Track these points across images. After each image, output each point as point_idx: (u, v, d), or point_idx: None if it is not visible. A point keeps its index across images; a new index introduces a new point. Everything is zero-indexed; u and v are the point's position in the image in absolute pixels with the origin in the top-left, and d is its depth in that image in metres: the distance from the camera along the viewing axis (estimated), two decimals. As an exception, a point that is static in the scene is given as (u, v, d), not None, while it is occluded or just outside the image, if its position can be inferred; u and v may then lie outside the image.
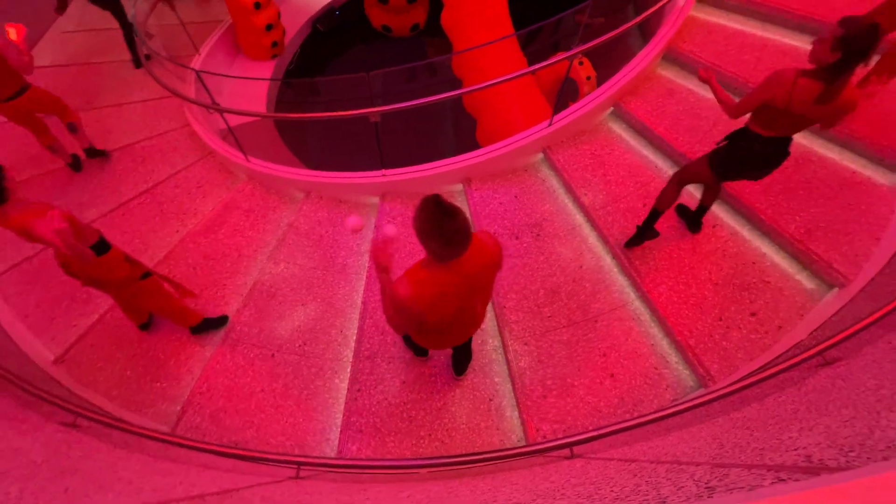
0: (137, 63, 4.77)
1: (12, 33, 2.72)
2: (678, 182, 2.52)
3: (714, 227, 2.85)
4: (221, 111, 3.22)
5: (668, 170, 3.14)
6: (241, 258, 3.27)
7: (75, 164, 3.78)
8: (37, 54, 5.01)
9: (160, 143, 4.17)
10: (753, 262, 2.66)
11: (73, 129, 3.62)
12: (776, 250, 2.68)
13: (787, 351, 2.24)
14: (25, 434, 1.51)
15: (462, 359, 2.52)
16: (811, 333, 2.23)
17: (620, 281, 2.83)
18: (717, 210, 2.92)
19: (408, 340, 2.54)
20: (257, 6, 5.06)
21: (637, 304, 2.72)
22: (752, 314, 2.47)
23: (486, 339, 2.71)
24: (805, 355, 1.65)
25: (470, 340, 2.33)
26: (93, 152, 3.87)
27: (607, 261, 2.93)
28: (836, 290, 2.45)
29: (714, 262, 2.70)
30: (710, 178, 2.40)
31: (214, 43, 5.40)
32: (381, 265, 1.62)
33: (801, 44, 3.23)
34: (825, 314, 2.31)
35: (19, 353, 2.76)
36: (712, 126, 3.09)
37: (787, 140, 2.07)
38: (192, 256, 3.28)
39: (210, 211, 3.56)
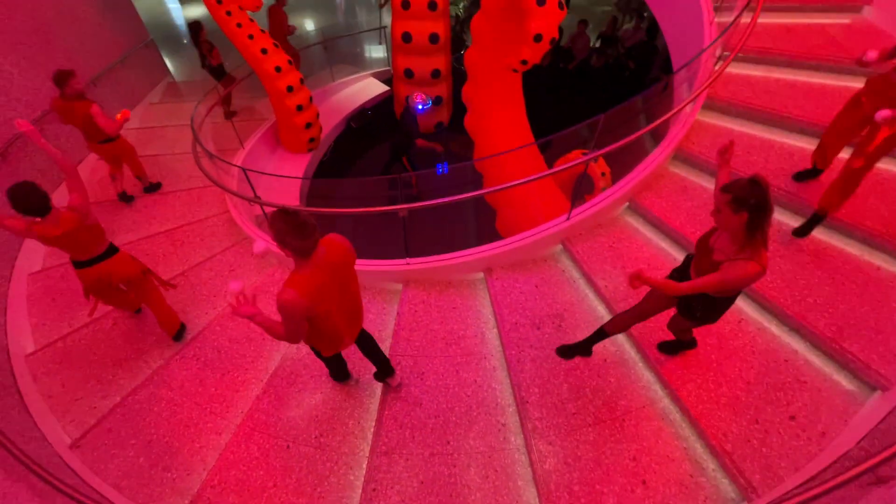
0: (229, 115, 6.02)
1: (119, 115, 3.81)
2: (639, 315, 2.43)
3: (739, 321, 2.81)
4: (261, 203, 3.49)
5: (686, 262, 3.19)
6: (265, 342, 3.32)
7: (124, 198, 4.79)
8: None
9: (199, 229, 4.47)
10: (786, 360, 2.58)
11: (138, 178, 4.86)
12: (808, 348, 2.61)
13: (835, 462, 2.09)
14: (41, 534, 1.48)
15: (377, 361, 2.70)
16: (859, 443, 2.09)
17: (647, 376, 2.75)
18: (741, 302, 2.90)
19: (329, 363, 2.73)
20: (299, 108, 5.66)
21: (666, 403, 2.61)
22: (791, 417, 2.34)
23: (509, 437, 2.60)
24: (855, 472, 1.55)
25: (373, 341, 2.62)
26: (151, 187, 4.98)
27: (631, 354, 2.88)
28: (878, 392, 2.33)
29: (743, 358, 2.62)
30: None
31: (258, 138, 5.99)
32: (248, 316, 1.87)
33: (806, 145, 3.40)
34: (872, 420, 2.18)
35: (39, 438, 2.76)
36: (727, 221, 3.18)
37: None
38: (218, 339, 3.35)
39: (253, 286, 3.70)
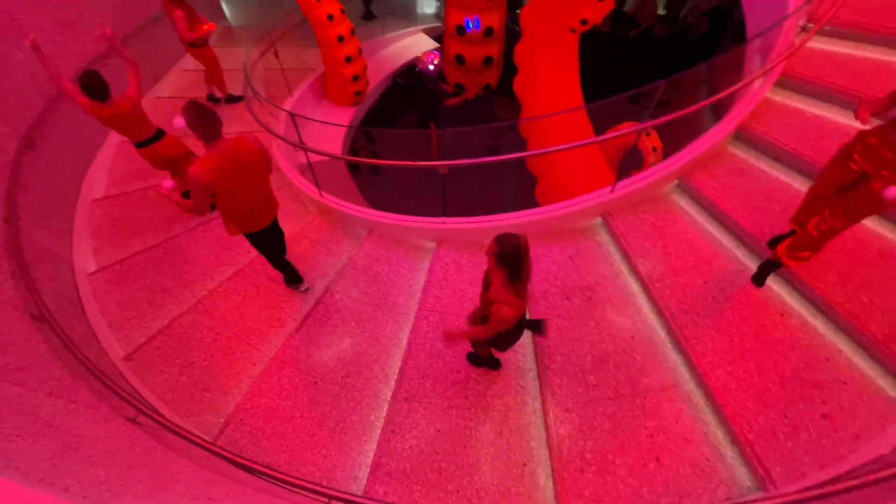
0: (369, 16, 6.44)
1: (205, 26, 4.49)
2: None
3: (783, 314, 2.69)
4: (306, 149, 3.55)
5: (733, 249, 3.04)
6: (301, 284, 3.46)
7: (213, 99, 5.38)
8: (160, 87, 5.85)
9: (246, 172, 4.61)
10: (827, 359, 2.46)
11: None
12: (855, 349, 2.47)
13: (864, 464, 2.01)
14: (100, 423, 1.66)
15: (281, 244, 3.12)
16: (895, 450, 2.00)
17: (674, 358, 2.71)
18: (787, 296, 2.77)
19: (270, 259, 3.11)
20: (348, 59, 5.63)
21: (690, 386, 2.57)
22: (824, 416, 2.26)
23: (527, 400, 2.65)
24: (886, 473, 1.49)
25: (281, 236, 3.09)
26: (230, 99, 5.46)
27: (661, 334, 2.82)
28: (927, 403, 2.20)
29: (781, 352, 2.52)
30: None
31: (306, 88, 6.02)
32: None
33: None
34: (914, 430, 2.07)
35: (97, 347, 3.04)
36: (784, 209, 2.98)
37: None
38: (258, 277, 3.52)
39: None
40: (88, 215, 4.09)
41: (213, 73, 5.22)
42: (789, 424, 2.26)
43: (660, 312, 2.82)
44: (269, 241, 2.99)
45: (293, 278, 3.35)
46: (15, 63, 3.61)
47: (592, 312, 2.93)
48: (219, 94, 5.49)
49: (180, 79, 6.21)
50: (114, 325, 3.32)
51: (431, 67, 5.07)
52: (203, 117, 2.19)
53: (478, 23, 4.75)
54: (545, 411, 2.52)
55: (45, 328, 2.43)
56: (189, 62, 6.47)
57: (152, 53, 5.78)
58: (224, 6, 7.96)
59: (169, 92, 5.84)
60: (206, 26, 4.58)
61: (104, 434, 1.55)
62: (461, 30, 5.57)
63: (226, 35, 7.46)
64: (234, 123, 5.31)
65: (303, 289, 3.42)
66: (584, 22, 3.26)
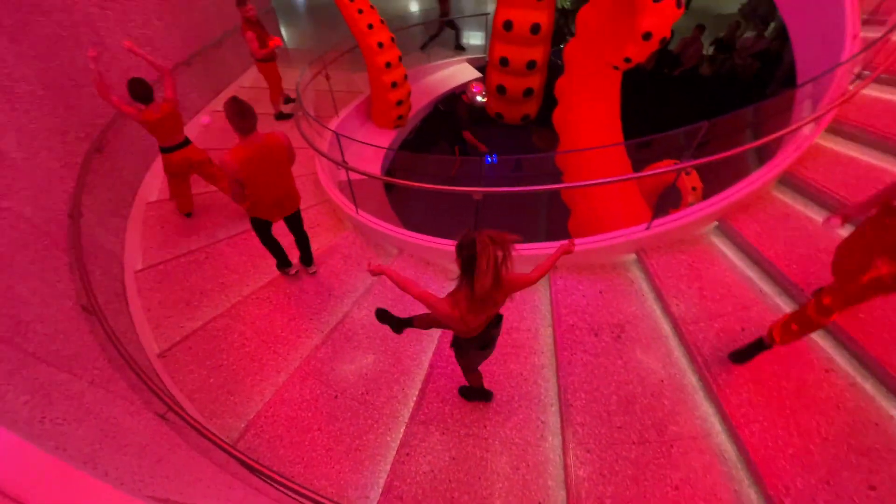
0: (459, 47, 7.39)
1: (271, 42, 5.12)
2: None
3: (828, 371, 2.53)
4: (347, 168, 3.70)
5: (774, 297, 2.91)
6: (330, 297, 3.55)
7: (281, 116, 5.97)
8: (218, 102, 6.26)
9: (288, 185, 4.83)
10: (877, 424, 2.28)
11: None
12: (909, 417, 2.29)
13: (917, 546, 1.84)
14: (133, 416, 1.74)
15: (301, 247, 3.55)
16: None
17: (705, 406, 2.58)
18: (833, 352, 2.61)
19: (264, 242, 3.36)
20: (394, 85, 5.86)
21: (722, 439, 2.44)
22: (871, 487, 2.09)
23: (546, 436, 2.58)
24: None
25: (300, 227, 3.43)
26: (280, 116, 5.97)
27: (692, 380, 2.71)
28: None
29: (824, 412, 2.36)
30: None
31: (352, 109, 6.30)
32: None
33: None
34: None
35: (136, 342, 3.19)
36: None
37: None
38: (291, 287, 3.63)
39: (315, 250, 3.96)
40: (142, 216, 4.37)
41: (272, 88, 5.72)
42: (831, 493, 2.09)
43: (692, 357, 2.72)
44: (269, 226, 3.30)
45: (283, 262, 3.66)
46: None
47: (621, 351, 2.85)
48: (273, 110, 5.92)
49: (238, 94, 6.63)
50: (153, 322, 3.49)
51: (480, 99, 5.19)
52: (241, 113, 2.51)
53: (496, 158, 5.22)
54: (565, 450, 2.44)
55: (93, 320, 2.58)
56: (247, 80, 6.93)
57: (214, 71, 6.22)
58: (282, 30, 8.51)
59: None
60: (272, 42, 5.22)
61: (136, 426, 1.62)
62: (509, 25, 5.74)
63: (282, 57, 7.92)
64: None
65: (292, 272, 3.69)
66: (627, 60, 3.29)
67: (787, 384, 2.49)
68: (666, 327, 2.97)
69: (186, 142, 3.94)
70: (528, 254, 3.43)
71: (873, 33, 3.55)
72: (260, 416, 2.86)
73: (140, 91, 3.45)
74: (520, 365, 2.91)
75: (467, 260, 1.66)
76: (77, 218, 3.19)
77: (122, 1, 4.39)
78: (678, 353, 2.83)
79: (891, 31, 3.10)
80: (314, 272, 3.69)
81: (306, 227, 4.24)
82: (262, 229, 3.31)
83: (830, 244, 2.91)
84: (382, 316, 2.85)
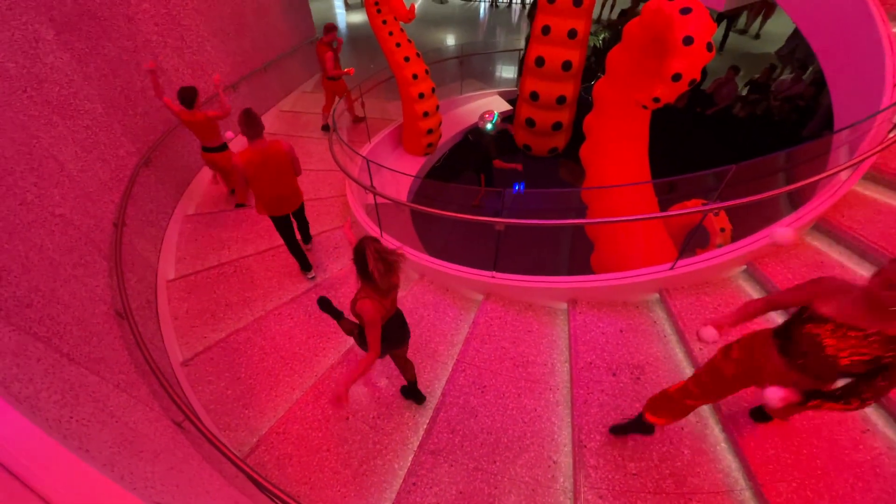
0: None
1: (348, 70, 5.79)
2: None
3: (864, 432, 2.38)
4: (375, 193, 3.81)
5: (806, 348, 2.78)
6: (349, 317, 3.60)
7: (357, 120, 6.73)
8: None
9: (318, 206, 5.00)
10: (918, 495, 2.11)
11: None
12: (955, 489, 2.11)
13: None
14: (152, 422, 1.80)
15: (304, 228, 4.07)
16: None
17: (728, 459, 2.45)
18: (870, 411, 2.45)
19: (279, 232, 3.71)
20: (426, 114, 6.06)
21: (746, 496, 2.30)
22: (912, 565, 1.92)
23: (557, 477, 2.50)
24: None
25: (303, 224, 3.98)
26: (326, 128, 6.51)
27: (714, 430, 2.58)
28: None
29: (859, 476, 2.21)
30: None
31: (384, 136, 6.52)
32: None
33: None
34: None
35: (161, 349, 3.31)
36: (871, 313, 2.71)
37: None
38: (312, 305, 3.71)
39: (338, 271, 4.06)
40: (178, 228, 4.59)
41: (328, 102, 6.38)
42: (866, 566, 1.94)
43: (715, 406, 2.60)
44: (289, 226, 3.67)
45: (304, 266, 4.00)
46: (150, 95, 4.28)
47: (639, 393, 2.76)
48: (328, 122, 6.47)
49: (277, 118, 7.01)
50: (179, 331, 3.62)
51: (489, 126, 5.37)
52: (249, 123, 2.99)
53: (523, 186, 5.87)
54: (576, 494, 2.36)
55: (125, 325, 2.71)
56: (287, 104, 7.31)
57: (258, 94, 6.60)
58: (324, 59, 8.97)
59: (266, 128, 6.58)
60: (350, 70, 5.86)
61: (154, 433, 1.68)
62: (541, 62, 5.95)
63: (321, 84, 8.34)
64: (315, 161, 5.84)
65: (309, 276, 4.02)
66: (655, 100, 3.31)
67: (819, 443, 2.35)
68: (688, 372, 2.86)
69: (220, 147, 4.49)
70: (546, 286, 3.41)
71: (916, 82, 3.47)
72: (272, 433, 2.89)
73: (185, 95, 4.03)
74: (534, 400, 2.86)
75: (361, 260, 1.99)
76: (120, 227, 3.39)
77: (179, 29, 4.76)
78: (700, 400, 2.72)
79: (933, 80, 3.03)
80: (313, 277, 4.05)
81: (331, 248, 4.39)
82: (282, 228, 3.64)
83: (868, 296, 2.79)
84: (324, 304, 3.18)
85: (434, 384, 3.08)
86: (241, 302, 3.83)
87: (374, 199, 3.95)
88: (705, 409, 2.66)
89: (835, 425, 2.42)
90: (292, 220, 3.69)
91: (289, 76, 7.44)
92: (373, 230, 4.26)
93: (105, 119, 3.69)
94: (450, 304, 3.65)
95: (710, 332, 2.00)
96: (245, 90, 6.18)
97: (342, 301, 3.70)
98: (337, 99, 6.32)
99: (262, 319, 3.62)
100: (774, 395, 1.68)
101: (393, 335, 2.39)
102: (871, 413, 2.45)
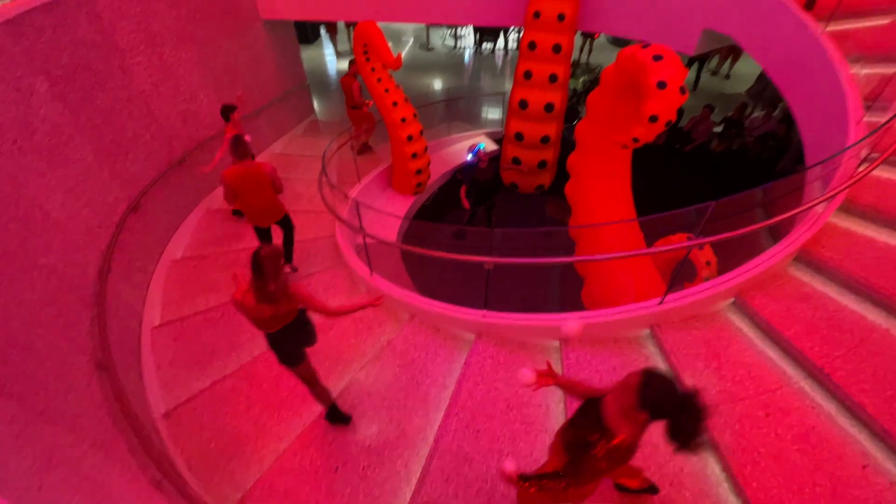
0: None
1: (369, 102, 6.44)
2: None
3: (865, 467, 2.34)
4: (364, 234, 3.83)
5: (800, 380, 2.77)
6: (338, 362, 3.53)
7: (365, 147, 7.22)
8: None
9: (308, 247, 5.00)
10: (926, 533, 2.06)
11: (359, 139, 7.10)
12: (962, 526, 2.06)
13: None
14: (129, 483, 1.70)
15: (287, 238, 4.36)
16: None
17: (731, 501, 2.38)
18: (870, 446, 2.42)
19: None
20: (414, 155, 6.21)
21: (752, 540, 2.22)
22: None
23: (557, 525, 2.39)
24: None
25: (291, 229, 4.32)
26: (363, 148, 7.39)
27: (715, 470, 2.52)
28: None
29: (865, 515, 2.15)
30: None
31: (374, 176, 6.64)
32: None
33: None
34: None
35: (143, 399, 3.19)
36: (859, 343, 2.73)
37: None
38: (300, 349, 3.64)
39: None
40: (166, 273, 4.54)
41: (357, 128, 7.04)
42: None
43: (714, 445, 2.55)
44: (267, 237, 4.22)
45: (288, 257, 4.52)
46: (142, 142, 4.34)
47: (636, 433, 2.70)
48: (363, 139, 7.34)
49: (270, 160, 7.12)
50: (162, 380, 3.50)
51: (469, 158, 5.72)
52: (235, 146, 3.62)
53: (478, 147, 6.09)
54: (577, 543, 2.25)
55: (104, 377, 2.62)
56: (278, 147, 7.46)
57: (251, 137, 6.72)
58: (315, 102, 9.24)
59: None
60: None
61: (129, 495, 1.59)
62: (524, 104, 6.22)
63: (312, 127, 8.55)
64: (304, 202, 5.89)
65: (290, 270, 4.55)
66: (635, 140, 3.45)
67: (821, 479, 2.30)
68: (684, 409, 2.82)
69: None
70: (537, 324, 3.40)
71: (877, 117, 3.66)
72: (257, 487, 2.76)
73: (224, 111, 4.74)
74: (530, 444, 2.78)
75: (257, 266, 2.22)
76: (105, 274, 3.35)
77: (173, 80, 4.90)
78: (698, 438, 2.67)
79: (893, 118, 3.19)
80: (294, 269, 4.64)
81: (322, 289, 4.36)
82: (261, 237, 4.20)
83: (856, 328, 2.83)
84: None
85: (426, 430, 2.98)
86: (228, 348, 3.74)
87: (363, 239, 3.97)
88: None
89: (835, 461, 2.37)
90: (278, 229, 4.27)
91: (280, 120, 7.61)
92: (362, 271, 4.25)
93: (95, 167, 3.72)
94: (441, 345, 3.60)
95: (525, 375, 2.05)
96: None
97: (331, 344, 3.64)
98: (328, 145, 6.43)
99: (249, 366, 3.53)
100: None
101: (284, 347, 2.66)
102: (871, 446, 2.41)
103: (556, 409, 2.98)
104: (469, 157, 5.75)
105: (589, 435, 1.68)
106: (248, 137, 4.57)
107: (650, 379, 1.54)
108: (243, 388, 3.38)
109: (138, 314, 3.91)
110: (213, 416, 3.20)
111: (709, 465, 2.53)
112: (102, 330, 2.88)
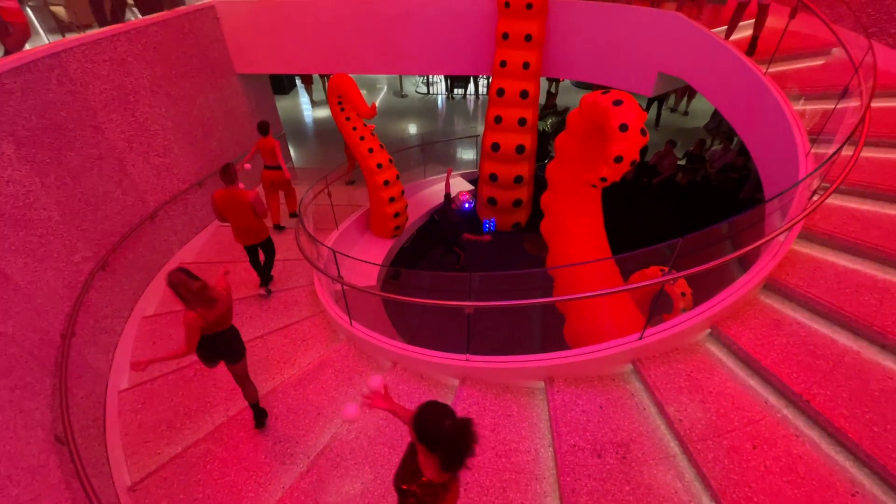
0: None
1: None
2: None
3: (854, 495, 2.33)
4: (343, 284, 3.80)
5: (782, 409, 2.79)
6: (318, 417, 3.39)
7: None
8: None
9: (285, 297, 4.90)
10: (921, 563, 2.04)
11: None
12: (954, 552, 2.05)
13: None
14: (85, 579, 1.55)
15: (267, 260, 4.86)
16: None
17: (728, 540, 2.32)
18: (857, 472, 2.42)
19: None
20: (392, 199, 6.28)
21: (753, 583, 2.15)
22: None
23: (554, 583, 2.27)
24: None
25: (269, 258, 4.85)
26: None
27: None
28: None
29: (860, 547, 2.12)
30: None
31: (351, 222, 6.66)
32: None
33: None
34: None
35: (106, 474, 2.97)
36: (833, 367, 2.79)
37: None
38: (279, 405, 3.49)
39: (307, 365, 3.88)
40: (136, 332, 4.36)
41: (351, 165, 7.80)
42: None
43: (704, 480, 2.51)
44: (254, 254, 4.71)
45: (264, 281, 4.97)
46: (112, 198, 4.28)
47: (628, 475, 2.65)
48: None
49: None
50: (129, 449, 3.29)
51: (467, 206, 5.82)
52: (223, 172, 4.02)
53: (493, 224, 6.56)
54: None
55: (64, 452, 2.44)
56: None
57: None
58: (291, 149, 9.35)
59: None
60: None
61: None
62: (496, 147, 6.45)
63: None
64: (281, 251, 5.82)
65: (262, 292, 4.93)
66: (603, 180, 3.58)
67: (812, 509, 2.27)
68: (673, 445, 2.79)
69: (276, 167, 6.00)
70: (520, 366, 3.36)
71: (823, 149, 3.93)
72: (232, 564, 2.55)
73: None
74: (520, 494, 2.68)
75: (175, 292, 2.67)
76: (69, 338, 3.20)
77: (147, 135, 4.91)
78: (689, 475, 2.63)
79: (838, 150, 3.42)
80: (268, 293, 4.98)
81: (300, 339, 4.25)
82: (250, 254, 4.69)
83: (829, 352, 2.90)
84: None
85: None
86: (202, 408, 3.56)
87: (342, 287, 3.92)
88: (697, 486, 2.56)
89: (824, 490, 2.36)
90: (259, 252, 4.72)
91: (258, 168, 7.63)
92: (341, 319, 4.17)
93: (61, 226, 3.63)
94: (425, 393, 3.51)
95: (349, 412, 2.28)
96: (211, 186, 6.27)
97: (309, 399, 3.50)
98: (305, 192, 6.44)
99: (224, 426, 3.35)
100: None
101: (222, 346, 3.00)
102: (858, 473, 2.41)
103: (545, 453, 2.91)
104: (466, 205, 5.96)
105: (405, 475, 1.71)
106: (248, 167, 5.21)
107: (423, 412, 1.58)
108: (218, 451, 3.20)
109: (104, 378, 3.71)
110: (184, 485, 3.00)
111: (702, 502, 2.48)
112: (64, 400, 2.71)
